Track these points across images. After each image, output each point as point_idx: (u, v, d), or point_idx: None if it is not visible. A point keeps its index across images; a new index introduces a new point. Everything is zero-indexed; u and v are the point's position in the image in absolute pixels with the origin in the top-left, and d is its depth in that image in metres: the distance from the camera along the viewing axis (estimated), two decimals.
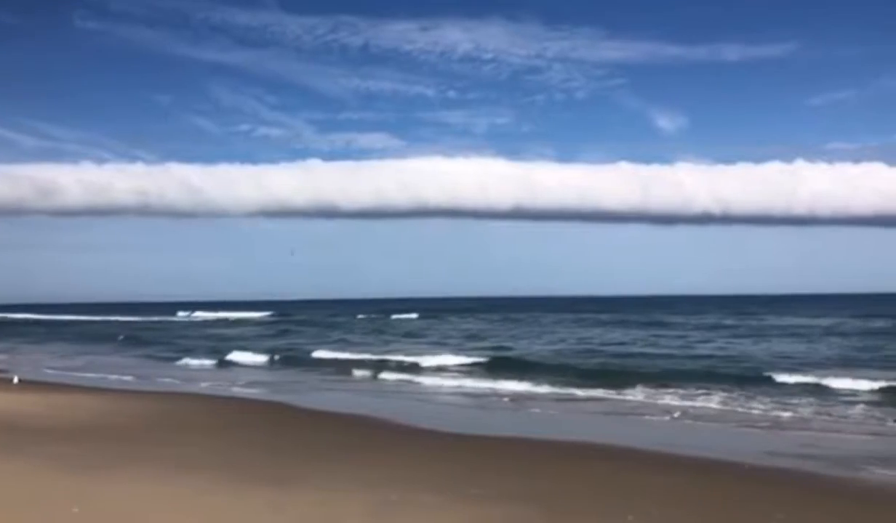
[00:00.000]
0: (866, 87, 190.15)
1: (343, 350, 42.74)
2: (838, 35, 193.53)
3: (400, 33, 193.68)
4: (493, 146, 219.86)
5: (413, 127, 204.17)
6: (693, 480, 12.24)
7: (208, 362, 38.77)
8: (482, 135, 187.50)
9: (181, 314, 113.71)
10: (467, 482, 11.68)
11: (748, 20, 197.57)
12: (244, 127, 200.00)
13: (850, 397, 22.73)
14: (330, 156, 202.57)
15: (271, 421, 18.96)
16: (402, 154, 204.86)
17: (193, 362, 39.01)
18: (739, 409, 20.88)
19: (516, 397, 24.15)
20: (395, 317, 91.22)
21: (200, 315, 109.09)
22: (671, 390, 24.30)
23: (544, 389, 25.59)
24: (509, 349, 43.72)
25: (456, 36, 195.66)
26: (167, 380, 30.56)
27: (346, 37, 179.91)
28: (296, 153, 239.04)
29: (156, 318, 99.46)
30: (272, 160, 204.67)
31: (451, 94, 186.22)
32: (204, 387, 27.47)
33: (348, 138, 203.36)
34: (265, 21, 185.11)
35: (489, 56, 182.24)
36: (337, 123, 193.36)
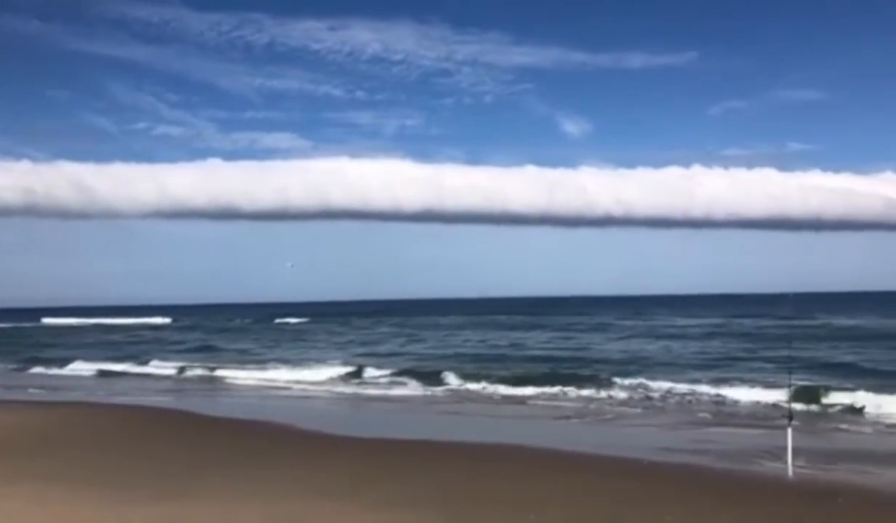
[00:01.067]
0: (760, 97, 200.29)
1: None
2: (735, 47, 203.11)
3: (307, 32, 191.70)
4: (402, 148, 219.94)
5: (320, 127, 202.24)
6: (594, 478, 12.46)
7: (82, 369, 37.64)
8: (391, 136, 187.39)
9: (46, 320, 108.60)
10: (370, 487, 11.51)
11: (651, 30, 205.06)
12: (142, 125, 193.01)
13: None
14: (233, 155, 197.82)
15: (164, 431, 18.24)
16: (308, 154, 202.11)
17: (61, 370, 38.00)
18: (628, 408, 21.67)
19: (410, 399, 24.32)
20: (278, 320, 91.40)
21: (71, 321, 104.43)
22: (556, 389, 25.34)
23: (439, 391, 25.84)
24: (399, 354, 43.76)
25: (364, 36, 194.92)
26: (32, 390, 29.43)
27: (252, 34, 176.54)
28: (197, 153, 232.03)
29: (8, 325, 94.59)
30: (171, 159, 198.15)
31: (360, 94, 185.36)
32: (77, 396, 26.40)
33: (252, 138, 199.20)
34: (166, 16, 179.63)
35: (398, 57, 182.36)
36: (241, 122, 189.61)
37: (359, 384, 29.53)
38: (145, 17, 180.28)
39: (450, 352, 43.06)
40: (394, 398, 25.35)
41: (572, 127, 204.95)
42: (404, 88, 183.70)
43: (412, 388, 27.49)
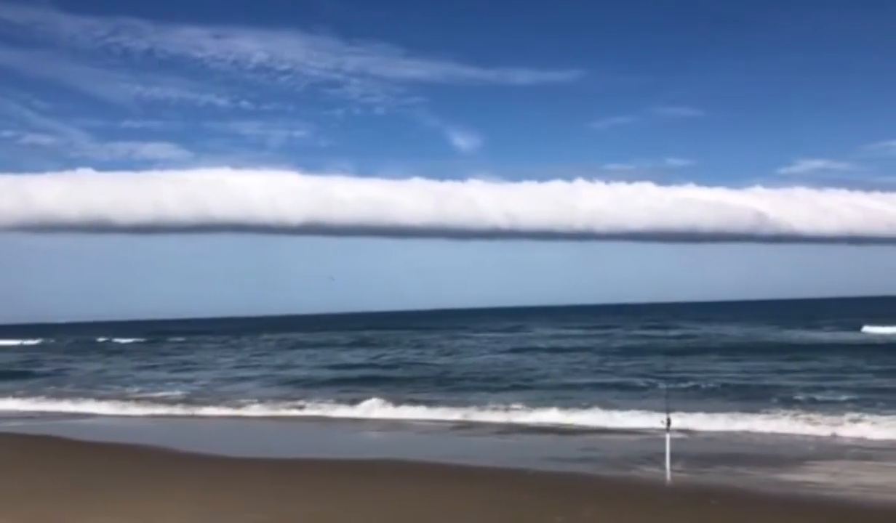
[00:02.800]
0: (642, 113, 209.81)
1: None
2: (620, 65, 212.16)
3: (189, 39, 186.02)
4: (290, 160, 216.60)
5: (202, 137, 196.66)
6: (479, 489, 12.64)
7: None
8: (278, 148, 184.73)
9: None
10: (248, 509, 11.26)
11: (538, 47, 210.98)
12: (7, 133, 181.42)
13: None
14: (108, 166, 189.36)
15: (29, 458, 17.18)
16: (189, 165, 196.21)
17: None
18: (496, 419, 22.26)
19: (288, 419, 24.04)
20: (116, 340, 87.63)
21: None
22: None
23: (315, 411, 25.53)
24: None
25: (250, 45, 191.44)
26: None
27: (129, 40, 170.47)
28: (68, 163, 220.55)
29: None
30: (39, 169, 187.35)
31: (245, 104, 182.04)
32: None
33: (130, 148, 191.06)
34: (34, 18, 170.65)
35: (285, 67, 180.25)
36: (117, 132, 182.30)
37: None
38: (10, 18, 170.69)
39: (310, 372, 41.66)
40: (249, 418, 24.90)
41: (462, 140, 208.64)
42: (292, 99, 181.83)
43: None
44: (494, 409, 23.55)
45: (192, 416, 25.49)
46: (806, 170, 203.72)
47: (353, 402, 25.47)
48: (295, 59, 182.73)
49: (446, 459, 16.01)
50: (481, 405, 24.42)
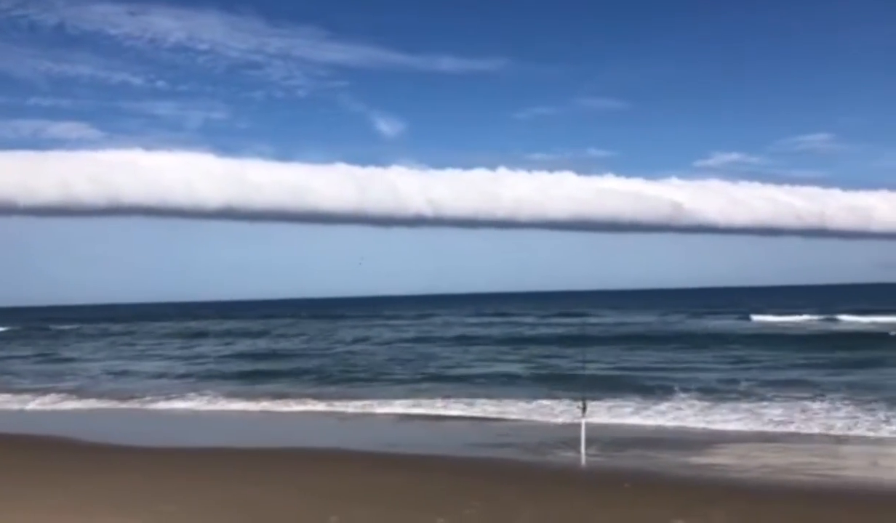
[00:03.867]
0: (565, 104, 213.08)
1: None
2: (544, 55, 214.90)
3: (103, 16, 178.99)
4: (207, 142, 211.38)
5: (115, 117, 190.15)
6: (399, 476, 12.68)
7: None
8: (195, 130, 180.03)
9: None
10: (160, 499, 10.99)
11: (464, 34, 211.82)
12: None
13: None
14: (12, 145, 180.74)
15: None
16: (100, 146, 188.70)
17: None
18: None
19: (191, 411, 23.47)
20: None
21: None
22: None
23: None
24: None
25: (167, 23, 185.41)
26: None
27: (38, 14, 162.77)
28: None
29: None
30: None
31: (161, 84, 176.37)
32: None
33: (36, 127, 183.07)
34: None
35: (204, 47, 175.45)
36: (23, 109, 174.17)
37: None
38: None
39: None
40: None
41: (385, 126, 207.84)
42: (210, 80, 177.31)
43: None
44: (393, 400, 23.16)
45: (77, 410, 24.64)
46: (721, 163, 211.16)
47: (245, 397, 24.75)
48: (214, 40, 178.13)
49: (358, 446, 15.99)
50: (380, 396, 23.95)
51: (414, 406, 21.99)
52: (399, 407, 22.02)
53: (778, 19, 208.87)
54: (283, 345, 50.48)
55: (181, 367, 36.57)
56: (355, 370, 32.66)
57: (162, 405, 23.79)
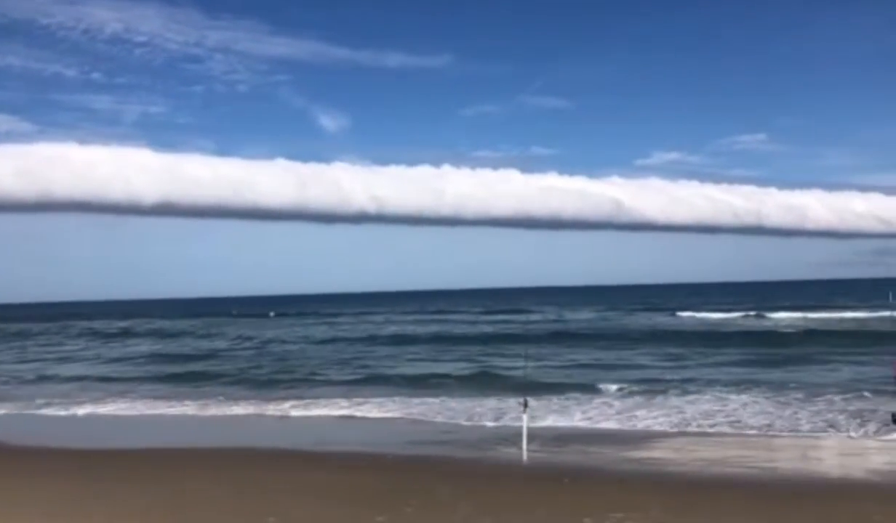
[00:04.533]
0: (510, 102, 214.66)
1: None
2: (489, 53, 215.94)
3: (35, 5, 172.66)
4: (144, 136, 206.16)
5: (47, 110, 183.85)
6: (338, 476, 12.59)
7: None
8: (132, 124, 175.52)
9: None
10: (91, 501, 10.72)
11: (409, 30, 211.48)
12: None
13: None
14: None
15: None
16: (31, 139, 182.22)
17: None
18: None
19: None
20: None
21: None
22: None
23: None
24: None
25: (103, 14, 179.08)
26: None
27: None
28: None
29: None
30: None
31: (96, 76, 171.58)
32: None
33: None
34: None
35: (142, 39, 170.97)
36: None
37: None
38: None
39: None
40: None
41: (329, 121, 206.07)
42: (148, 73, 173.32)
43: None
44: (329, 400, 22.90)
45: None
46: (661, 162, 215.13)
47: (174, 398, 24.15)
48: (153, 32, 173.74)
49: (294, 446, 15.88)
50: (315, 396, 23.71)
51: (351, 406, 21.69)
52: (335, 407, 21.71)
53: (717, 23, 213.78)
54: (216, 344, 49.39)
55: (107, 369, 35.52)
56: (290, 370, 32.07)
57: (88, 408, 23.05)
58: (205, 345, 49.40)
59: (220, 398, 23.86)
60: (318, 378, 29.13)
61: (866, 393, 20.57)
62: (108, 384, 29.33)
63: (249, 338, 52.89)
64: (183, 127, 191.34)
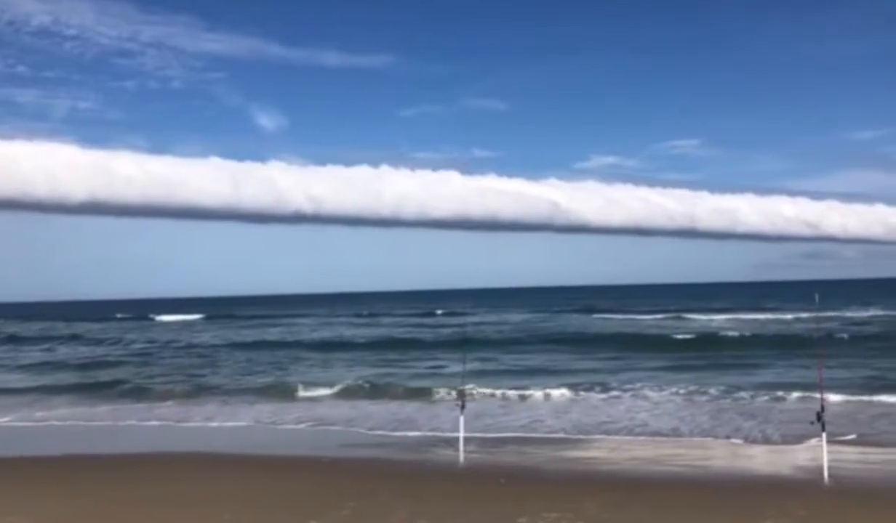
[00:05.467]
0: (451, 104, 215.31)
1: None
2: (430, 53, 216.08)
3: None
4: (73, 132, 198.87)
5: None
6: (273, 479, 12.47)
7: None
8: (60, 119, 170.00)
9: None
10: (5, 510, 10.38)
11: (348, 28, 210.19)
12: None
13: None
14: None
15: None
16: None
17: None
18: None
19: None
20: None
21: None
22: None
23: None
24: None
25: (30, 5, 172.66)
26: None
27: None
28: None
29: None
30: None
31: (22, 69, 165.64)
32: None
33: None
34: None
35: (72, 32, 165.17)
36: None
37: None
38: None
39: None
40: None
41: (265, 120, 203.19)
42: (78, 67, 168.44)
43: None
44: (253, 405, 22.70)
45: None
46: (598, 166, 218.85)
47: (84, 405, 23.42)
48: (83, 25, 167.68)
49: (224, 450, 15.66)
50: (240, 401, 23.41)
51: (277, 410, 21.48)
52: (261, 411, 21.37)
53: (654, 29, 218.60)
54: (133, 348, 47.71)
55: (14, 376, 33.77)
56: (207, 375, 31.04)
57: None
58: (123, 349, 47.49)
59: (134, 404, 23.34)
60: (240, 382, 28.26)
61: (785, 393, 21.30)
62: (18, 392, 27.59)
63: (173, 342, 51.42)
64: (113, 123, 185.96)
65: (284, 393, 24.88)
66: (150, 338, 55.27)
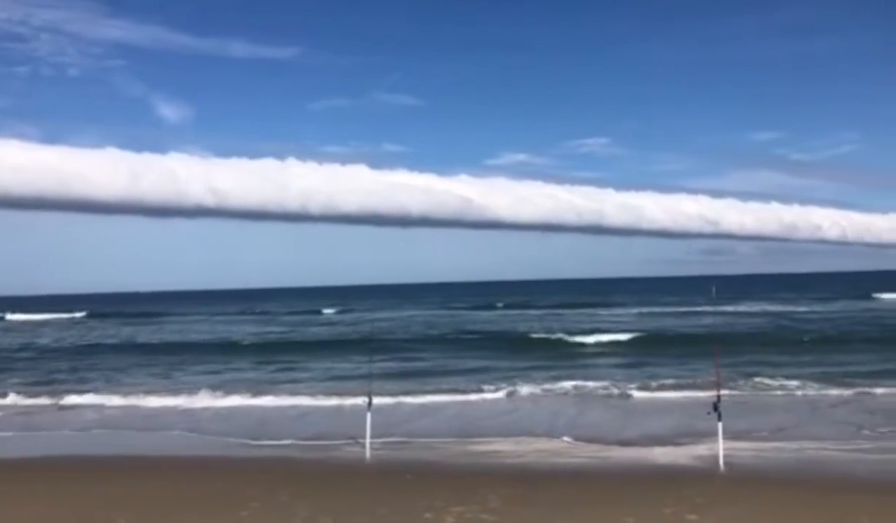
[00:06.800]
0: (362, 98, 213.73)
1: None
2: (341, 46, 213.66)
3: None
4: None
5: None
6: (175, 483, 12.15)
7: None
8: None
9: None
10: None
11: (256, 19, 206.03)
12: None
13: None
14: None
15: None
16: None
17: None
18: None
19: None
20: None
21: None
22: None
23: None
24: None
25: None
26: None
27: None
28: None
29: None
30: None
31: None
32: None
33: None
34: None
35: None
36: None
37: None
38: None
39: None
40: None
41: (169, 111, 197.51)
42: None
43: None
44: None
45: None
46: (509, 163, 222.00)
47: None
48: None
49: (116, 453, 15.26)
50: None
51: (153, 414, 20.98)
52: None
53: (565, 31, 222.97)
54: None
55: None
56: (83, 374, 30.20)
57: None
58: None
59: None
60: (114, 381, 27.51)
61: (670, 382, 22.16)
62: None
63: (54, 341, 49.18)
64: (2, 111, 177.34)
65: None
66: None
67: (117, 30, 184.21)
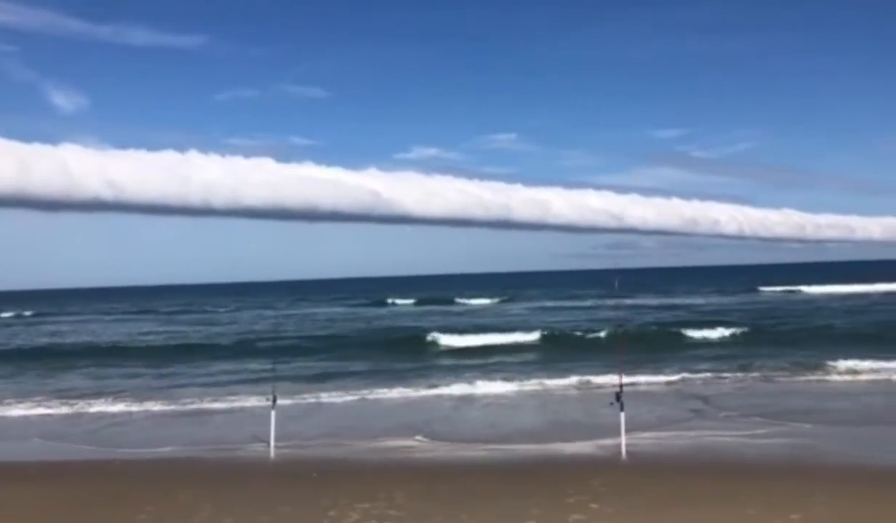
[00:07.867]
0: (268, 89, 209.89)
1: None
2: (247, 36, 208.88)
3: None
4: None
5: None
6: (65, 488, 11.71)
7: None
8: None
9: None
10: None
11: (159, 5, 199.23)
12: None
13: None
14: None
15: None
16: None
17: None
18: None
19: None
20: None
21: None
22: None
23: None
24: None
25: None
26: None
27: None
28: None
29: None
30: None
31: None
32: None
33: None
34: None
35: None
36: None
37: None
38: None
39: None
40: None
41: (61, 99, 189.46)
42: None
43: None
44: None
45: None
46: (419, 157, 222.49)
47: None
48: None
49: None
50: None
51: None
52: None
53: (479, 25, 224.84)
54: None
55: None
56: None
57: None
58: None
59: None
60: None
61: (584, 378, 22.77)
62: None
63: None
64: None
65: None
66: None
67: (7, 14, 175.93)
